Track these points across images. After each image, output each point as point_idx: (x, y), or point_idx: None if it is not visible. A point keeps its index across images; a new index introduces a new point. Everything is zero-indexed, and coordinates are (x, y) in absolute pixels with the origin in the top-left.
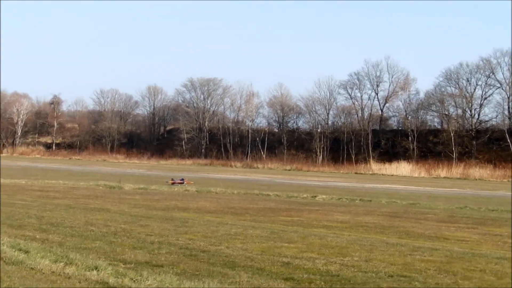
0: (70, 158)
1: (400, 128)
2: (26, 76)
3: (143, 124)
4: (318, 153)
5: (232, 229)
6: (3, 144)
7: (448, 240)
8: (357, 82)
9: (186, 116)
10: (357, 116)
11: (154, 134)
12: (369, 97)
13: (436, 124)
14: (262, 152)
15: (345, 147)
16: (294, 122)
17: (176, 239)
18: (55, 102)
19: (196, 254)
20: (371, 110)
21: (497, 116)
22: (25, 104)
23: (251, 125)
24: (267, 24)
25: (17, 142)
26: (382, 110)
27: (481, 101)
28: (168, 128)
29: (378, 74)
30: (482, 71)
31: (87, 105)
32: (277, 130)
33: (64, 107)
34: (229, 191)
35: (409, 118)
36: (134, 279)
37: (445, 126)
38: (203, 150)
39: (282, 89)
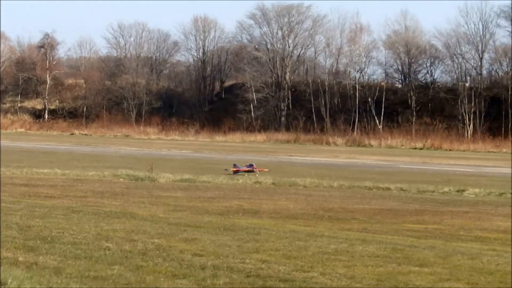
0: (72, 134)
1: None
2: (2, 7)
3: (187, 78)
4: (467, 121)
5: (330, 245)
6: None
7: None
8: None
9: (255, 64)
10: None
11: (205, 94)
12: None
13: None
14: (377, 121)
15: (511, 112)
16: (427, 72)
17: (241, 262)
18: (47, 45)
19: (273, 286)
20: None
21: None
22: (1, 48)
23: (360, 77)
24: None
25: None
26: None
27: None
28: (227, 84)
29: None
30: None
31: (98, 49)
32: (400, 86)
33: (61, 53)
34: (325, 183)
35: None
36: None
37: None
38: (283, 119)
39: (407, 21)
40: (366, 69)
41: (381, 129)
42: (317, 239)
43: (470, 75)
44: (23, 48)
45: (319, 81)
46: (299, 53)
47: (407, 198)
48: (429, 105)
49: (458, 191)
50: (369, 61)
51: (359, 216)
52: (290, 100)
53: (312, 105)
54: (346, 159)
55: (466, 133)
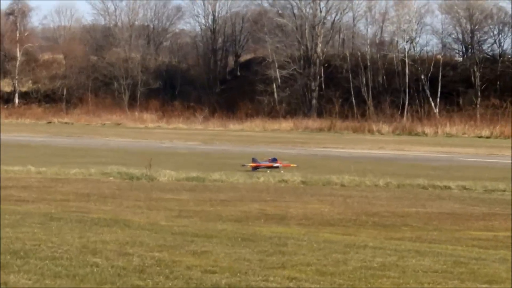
0: (49, 122)
1: None
2: None
3: (193, 51)
4: None
5: (375, 257)
6: None
7: None
8: None
9: (278, 33)
10: None
11: (216, 72)
12: None
13: None
14: (432, 103)
15: None
16: (494, 42)
17: (263, 279)
18: (18, 12)
19: None
20: None
21: None
22: None
23: (410, 49)
24: None
25: None
26: None
27: None
28: (244, 58)
29: None
30: None
31: (81, 16)
32: (461, 59)
33: (35, 21)
34: (367, 181)
35: None
36: None
37: None
38: (314, 101)
39: None
40: (417, 38)
41: (437, 114)
42: (359, 250)
43: None
44: None
45: (359, 54)
46: (334, 20)
47: (471, 199)
48: (498, 83)
49: None
50: (421, 28)
51: (412, 221)
52: (322, 78)
53: (351, 84)
54: (393, 151)
55: None
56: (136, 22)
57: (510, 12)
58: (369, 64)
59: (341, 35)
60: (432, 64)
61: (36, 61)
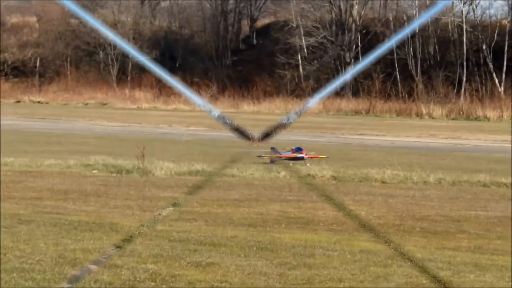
0: (18, 101)
1: None
2: None
3: (198, 14)
4: None
5: (424, 272)
6: None
7: None
8: None
9: None
10: None
11: (227, 39)
12: None
13: None
14: (496, 79)
15: None
16: None
17: None
18: None
19: None
20: None
21: None
22: None
23: (468, 13)
24: None
25: None
26: None
27: None
28: (261, 23)
29: None
30: None
31: None
32: None
33: None
34: (415, 176)
35: None
36: None
37: None
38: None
39: None
40: (477, 1)
41: (502, 93)
42: (403, 263)
43: None
44: None
45: (404, 18)
46: None
47: None
48: None
49: None
50: None
51: (469, 227)
52: (359, 48)
53: (395, 56)
54: (448, 140)
55: None
56: None
57: None
58: (417, 31)
59: None
60: (496, 32)
61: (5, 27)
